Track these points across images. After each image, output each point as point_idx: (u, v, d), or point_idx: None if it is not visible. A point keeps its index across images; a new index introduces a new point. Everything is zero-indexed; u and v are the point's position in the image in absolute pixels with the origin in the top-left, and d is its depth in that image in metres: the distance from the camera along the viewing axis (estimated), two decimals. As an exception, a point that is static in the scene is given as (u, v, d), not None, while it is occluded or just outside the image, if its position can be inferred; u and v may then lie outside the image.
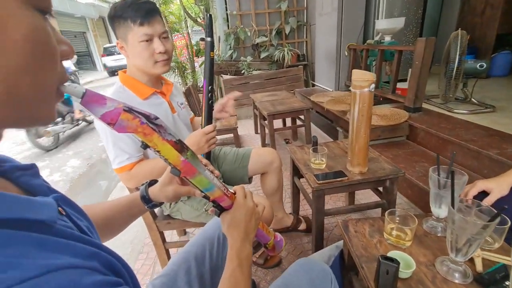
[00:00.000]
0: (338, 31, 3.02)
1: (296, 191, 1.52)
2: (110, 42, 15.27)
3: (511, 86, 2.74)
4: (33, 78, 0.25)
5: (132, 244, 1.57)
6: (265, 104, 2.42)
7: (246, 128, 3.33)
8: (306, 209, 1.69)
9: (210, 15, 0.85)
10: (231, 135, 2.47)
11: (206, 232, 0.77)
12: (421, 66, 1.96)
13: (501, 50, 3.05)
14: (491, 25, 3.06)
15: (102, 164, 3.09)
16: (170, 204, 1.10)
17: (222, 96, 4.05)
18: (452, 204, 0.61)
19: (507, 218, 0.60)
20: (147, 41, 0.88)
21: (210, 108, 0.90)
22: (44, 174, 2.86)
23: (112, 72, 12.35)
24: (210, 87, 0.87)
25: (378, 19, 2.93)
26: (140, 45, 0.87)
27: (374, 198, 1.69)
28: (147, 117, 0.39)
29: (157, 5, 0.92)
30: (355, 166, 1.11)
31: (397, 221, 0.76)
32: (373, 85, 0.98)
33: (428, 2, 3.10)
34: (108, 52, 12.09)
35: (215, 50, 4.35)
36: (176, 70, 4.14)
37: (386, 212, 0.75)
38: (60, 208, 0.34)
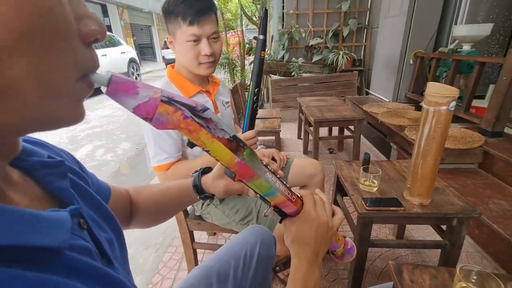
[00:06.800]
0: (404, 36, 2.71)
1: (337, 209, 1.38)
2: (171, 36, 16.31)
3: None
4: (30, 63, 0.19)
5: (164, 234, 1.59)
6: (312, 110, 2.28)
7: (289, 132, 3.21)
8: (345, 231, 1.53)
9: (266, 10, 0.77)
10: (273, 137, 2.38)
11: (233, 249, 0.70)
12: (510, 83, 1.63)
13: None
14: None
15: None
16: (202, 205, 1.06)
17: (268, 96, 3.98)
18: None
19: None
20: (194, 41, 0.84)
21: (254, 112, 0.82)
22: (99, 153, 3.13)
23: (169, 64, 13.24)
24: (257, 90, 0.79)
25: (456, 24, 2.55)
26: (186, 44, 0.84)
27: (430, 233, 1.46)
28: (192, 109, 0.31)
29: (214, 2, 0.86)
30: (415, 196, 0.94)
31: (472, 280, 0.59)
32: (453, 103, 0.80)
33: (524, 7, 2.60)
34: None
35: (266, 49, 4.32)
36: (226, 67, 4.20)
37: (459, 268, 0.59)
38: (81, 220, 0.29)
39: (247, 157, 0.37)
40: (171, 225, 1.63)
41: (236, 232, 1.07)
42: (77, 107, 0.24)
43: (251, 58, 4.88)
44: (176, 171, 0.88)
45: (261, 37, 0.77)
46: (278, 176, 0.43)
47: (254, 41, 6.19)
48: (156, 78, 9.14)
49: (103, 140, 3.58)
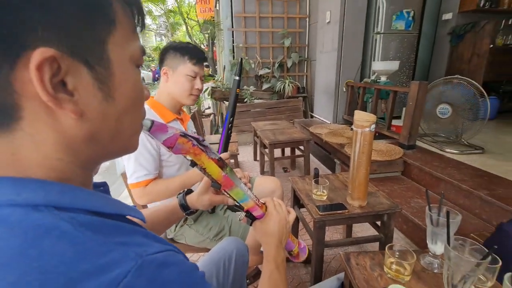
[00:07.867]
0: (337, 68, 3.23)
1: (295, 220, 1.55)
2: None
3: (498, 129, 2.92)
4: (131, 117, 0.33)
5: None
6: (266, 133, 2.51)
7: (245, 155, 3.39)
8: (304, 239, 1.70)
9: (241, 59, 1.02)
10: (232, 161, 2.52)
11: (213, 258, 0.80)
12: (415, 107, 2.10)
13: (488, 96, 3.27)
14: (477, 73, 3.30)
15: (104, 175, 3.08)
16: (175, 227, 1.12)
17: (222, 119, 4.15)
18: (448, 242, 0.67)
19: (498, 258, 0.65)
20: (192, 76, 1.03)
21: (228, 137, 0.98)
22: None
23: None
24: (231, 119, 0.97)
25: (374, 60, 3.16)
26: (186, 77, 1.02)
27: (371, 231, 1.72)
28: (197, 139, 0.45)
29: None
30: (355, 200, 1.17)
31: (396, 255, 0.80)
32: (373, 126, 1.07)
33: (420, 48, 3.37)
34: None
35: (220, 78, 4.56)
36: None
37: (387, 247, 0.80)
38: None
39: (229, 172, 0.52)
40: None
41: (209, 250, 1.14)
42: (138, 140, 0.37)
43: (204, 86, 5.06)
44: (154, 188, 0.96)
45: (237, 78, 0.99)
46: (248, 187, 0.59)
47: (206, 69, 6.45)
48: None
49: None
